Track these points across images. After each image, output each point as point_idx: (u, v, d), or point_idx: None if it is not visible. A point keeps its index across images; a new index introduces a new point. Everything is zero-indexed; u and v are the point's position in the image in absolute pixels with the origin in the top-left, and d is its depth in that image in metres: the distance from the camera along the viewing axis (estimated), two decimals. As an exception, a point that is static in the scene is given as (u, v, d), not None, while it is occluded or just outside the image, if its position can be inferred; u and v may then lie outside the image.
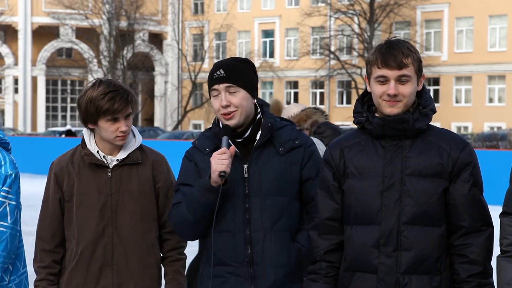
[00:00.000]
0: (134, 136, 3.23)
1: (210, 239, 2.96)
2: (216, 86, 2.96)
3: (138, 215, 3.17)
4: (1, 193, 3.10)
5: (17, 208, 3.16)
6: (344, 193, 2.76)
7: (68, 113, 51.48)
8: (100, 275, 3.15)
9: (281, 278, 2.95)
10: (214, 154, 2.88)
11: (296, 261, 2.97)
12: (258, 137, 2.98)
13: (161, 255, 3.30)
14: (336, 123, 43.42)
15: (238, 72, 2.97)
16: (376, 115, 2.76)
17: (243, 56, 37.28)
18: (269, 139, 2.98)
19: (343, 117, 43.66)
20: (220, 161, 2.84)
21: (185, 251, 3.36)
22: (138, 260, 3.17)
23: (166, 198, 3.25)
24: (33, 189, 18.30)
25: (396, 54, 2.68)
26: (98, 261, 3.14)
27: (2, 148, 3.18)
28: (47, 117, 50.78)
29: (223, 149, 2.88)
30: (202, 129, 46.63)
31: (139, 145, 3.22)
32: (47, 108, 50.85)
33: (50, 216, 3.19)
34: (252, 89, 3.00)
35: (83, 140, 3.21)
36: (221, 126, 3.00)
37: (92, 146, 3.18)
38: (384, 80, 2.69)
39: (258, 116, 3.02)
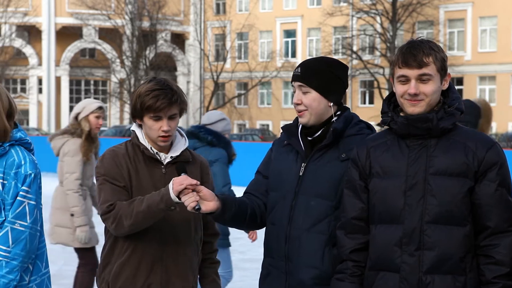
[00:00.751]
0: (182, 136, 3.29)
1: (266, 229, 3.09)
2: (293, 83, 3.07)
3: (188, 214, 3.16)
4: (20, 193, 3.09)
5: (37, 208, 3.14)
6: (369, 193, 2.78)
7: (91, 113, 51.82)
8: (151, 271, 3.17)
9: (310, 279, 2.97)
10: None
11: (329, 266, 2.96)
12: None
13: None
14: (358, 123, 43.30)
15: (314, 73, 3.01)
16: (401, 114, 2.77)
17: (265, 56, 37.05)
18: (336, 143, 3.01)
19: (365, 117, 43.36)
20: (189, 197, 2.92)
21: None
22: (185, 259, 3.20)
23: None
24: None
25: (416, 53, 2.69)
26: (149, 257, 3.16)
27: (23, 148, 3.20)
28: (71, 117, 51.16)
29: (182, 178, 2.96)
30: (224, 129, 46.68)
31: (187, 144, 3.28)
32: (71, 108, 51.09)
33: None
34: (326, 92, 3.02)
35: (135, 136, 3.22)
36: (299, 123, 3.10)
37: (145, 141, 3.20)
38: (405, 80, 2.71)
39: (334, 118, 3.05)
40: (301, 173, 3.01)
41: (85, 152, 5.91)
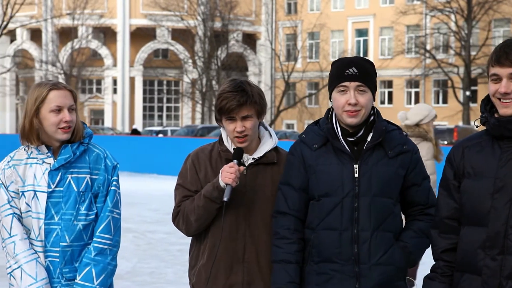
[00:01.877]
0: (271, 136, 3.30)
1: (316, 235, 3.04)
2: (346, 83, 3.02)
3: (269, 215, 3.20)
4: (113, 183, 3.26)
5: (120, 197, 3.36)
6: (460, 193, 2.74)
7: (164, 113, 52.67)
8: (231, 272, 3.19)
9: (386, 277, 3.01)
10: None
11: (400, 260, 3.02)
12: (369, 139, 3.04)
13: None
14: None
15: (368, 73, 3.05)
16: (496, 115, 2.71)
17: (336, 56, 37.08)
18: (379, 141, 3.03)
19: (439, 116, 42.56)
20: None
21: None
22: (268, 260, 3.20)
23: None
24: (132, 187, 18.88)
25: (509, 51, 2.62)
26: (229, 257, 3.19)
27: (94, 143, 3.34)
28: (144, 116, 52.12)
29: (229, 165, 3.09)
30: (295, 129, 46.76)
31: (275, 145, 3.28)
32: (144, 108, 52.19)
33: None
34: (374, 91, 3.08)
35: (220, 137, 3.30)
36: (335, 123, 3.07)
37: (228, 143, 3.26)
38: (497, 78, 2.65)
39: (371, 118, 3.08)
40: (356, 175, 3.00)
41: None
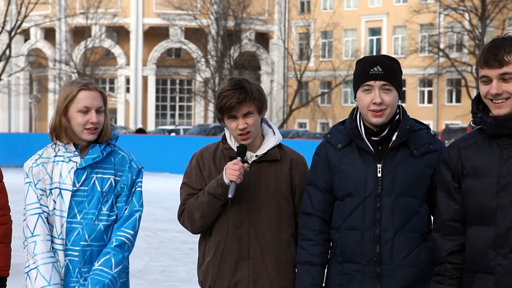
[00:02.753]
0: (274, 133, 3.31)
1: (340, 236, 3.02)
2: (371, 82, 3.00)
3: (274, 212, 3.21)
4: (139, 184, 3.31)
5: None
6: (462, 194, 2.72)
7: (177, 112, 52.75)
8: (236, 269, 3.21)
9: (410, 279, 2.96)
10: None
11: (426, 262, 2.96)
12: (394, 138, 3.01)
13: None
14: (445, 122, 42.44)
15: (393, 72, 3.03)
16: (490, 114, 2.70)
17: (349, 55, 36.90)
18: (404, 141, 3.00)
19: (452, 116, 42.54)
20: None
21: None
22: (273, 257, 3.21)
23: (302, 198, 3.28)
24: (144, 186, 18.89)
25: (496, 52, 2.60)
26: (234, 255, 3.20)
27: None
28: (157, 115, 52.22)
29: (236, 160, 3.11)
30: (307, 128, 46.70)
31: (278, 142, 3.28)
32: (157, 107, 52.29)
33: None
34: (400, 90, 3.06)
35: (223, 136, 3.32)
36: (359, 123, 3.05)
37: (232, 141, 3.28)
38: (487, 80, 2.64)
39: (396, 117, 3.05)
40: (379, 174, 2.98)
41: None
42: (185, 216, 3.25)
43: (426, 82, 45.43)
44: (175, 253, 9.48)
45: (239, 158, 3.15)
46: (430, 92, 45.61)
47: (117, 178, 3.25)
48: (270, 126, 3.34)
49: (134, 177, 3.28)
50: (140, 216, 3.29)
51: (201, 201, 3.18)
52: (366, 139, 3.02)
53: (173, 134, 36.03)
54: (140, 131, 28.92)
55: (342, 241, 3.02)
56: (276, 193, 3.22)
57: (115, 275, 3.17)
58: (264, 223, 3.20)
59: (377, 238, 2.96)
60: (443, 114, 43.89)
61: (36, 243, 3.15)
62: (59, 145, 3.23)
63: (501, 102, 2.63)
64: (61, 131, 3.20)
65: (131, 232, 3.24)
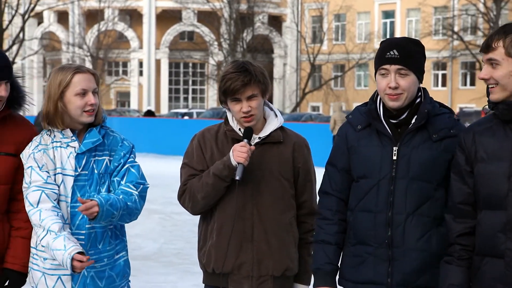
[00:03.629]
0: (276, 116, 3.32)
1: (354, 217, 3.03)
2: (387, 66, 2.98)
3: (277, 193, 3.23)
4: (132, 159, 3.30)
5: None
6: (474, 178, 2.73)
7: (190, 95, 52.77)
8: (240, 250, 3.22)
9: (421, 263, 2.96)
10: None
11: (438, 246, 2.95)
12: (413, 121, 2.99)
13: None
14: (459, 105, 42.21)
15: (411, 55, 2.98)
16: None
17: (363, 38, 36.56)
18: (423, 124, 2.98)
19: (466, 99, 42.30)
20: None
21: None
22: (277, 238, 3.23)
23: (305, 181, 3.31)
24: (157, 168, 18.99)
25: (488, 38, 2.63)
26: (238, 236, 3.22)
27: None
28: (170, 99, 52.28)
29: (244, 142, 3.13)
30: (321, 111, 46.58)
31: (280, 125, 3.30)
32: (170, 90, 52.33)
33: None
34: (420, 73, 3.01)
35: (226, 118, 3.33)
36: (378, 105, 3.04)
37: (234, 123, 3.29)
38: (484, 64, 2.68)
39: (418, 100, 3.03)
40: (394, 157, 2.97)
41: None
42: (186, 197, 3.26)
43: (440, 65, 45.16)
44: (189, 235, 9.52)
45: (246, 140, 3.16)
46: (444, 75, 45.34)
47: (111, 159, 3.27)
48: (271, 109, 3.35)
49: (126, 154, 3.28)
50: (146, 189, 3.29)
51: (205, 182, 3.19)
52: (384, 122, 3.01)
53: (186, 117, 36.07)
54: (149, 113, 28.87)
55: (356, 223, 3.03)
56: (279, 175, 3.24)
57: (121, 203, 3.15)
58: (267, 205, 3.22)
59: (389, 221, 2.96)
60: (457, 98, 43.63)
61: (41, 211, 3.12)
62: (54, 131, 3.23)
63: (492, 88, 2.66)
64: (56, 117, 3.19)
65: (134, 187, 3.24)
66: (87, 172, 3.21)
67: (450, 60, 43.22)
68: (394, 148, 2.98)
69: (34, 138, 3.29)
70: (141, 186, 3.27)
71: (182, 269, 7.69)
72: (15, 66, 39.93)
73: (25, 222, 3.28)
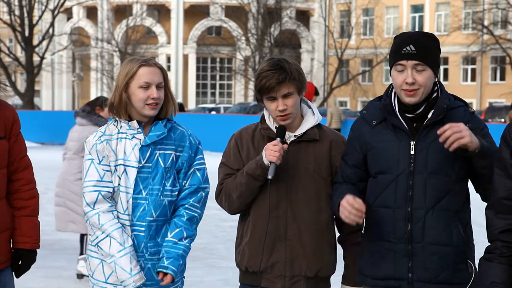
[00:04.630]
0: (313, 113, 3.29)
1: (372, 213, 3.00)
2: (403, 62, 2.95)
3: (312, 192, 3.20)
4: (201, 161, 3.37)
5: None
6: None
7: (217, 90, 52.85)
8: (273, 249, 3.21)
9: (442, 258, 2.92)
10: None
11: (458, 240, 2.93)
12: (430, 115, 2.97)
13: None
14: (488, 100, 41.76)
15: (428, 50, 2.95)
16: None
17: (391, 32, 36.33)
18: (441, 118, 2.95)
19: (496, 94, 41.81)
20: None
21: None
22: (311, 238, 3.20)
23: None
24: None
25: None
26: (271, 235, 3.20)
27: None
28: (197, 94, 52.41)
29: (276, 141, 3.09)
30: (348, 106, 46.41)
31: (317, 123, 3.26)
32: (197, 85, 52.45)
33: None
34: (436, 68, 2.98)
35: (262, 116, 3.32)
36: (393, 99, 3.00)
37: (270, 121, 3.27)
38: None
39: (434, 94, 2.99)
40: (412, 152, 2.94)
41: None
42: (222, 196, 3.27)
43: (469, 59, 44.68)
44: (216, 230, 9.55)
45: (278, 139, 3.13)
46: (473, 70, 44.87)
47: (178, 154, 3.29)
48: (309, 106, 3.31)
49: (193, 154, 3.32)
50: (207, 194, 3.35)
51: (239, 181, 3.18)
52: (400, 116, 2.98)
53: (213, 112, 36.12)
54: (179, 106, 28.94)
55: (374, 219, 3.01)
56: (314, 174, 3.20)
57: (185, 246, 3.27)
58: (302, 204, 3.19)
59: (409, 216, 2.93)
60: (486, 92, 43.14)
61: (99, 214, 3.19)
62: (121, 122, 3.27)
63: None
64: (120, 107, 3.24)
65: (198, 205, 3.32)
66: (151, 165, 3.24)
67: (479, 55, 42.74)
68: (412, 142, 2.95)
69: (99, 128, 3.35)
70: (201, 193, 3.33)
71: (209, 263, 7.71)
72: (44, 62, 40.37)
73: (27, 200, 3.33)
